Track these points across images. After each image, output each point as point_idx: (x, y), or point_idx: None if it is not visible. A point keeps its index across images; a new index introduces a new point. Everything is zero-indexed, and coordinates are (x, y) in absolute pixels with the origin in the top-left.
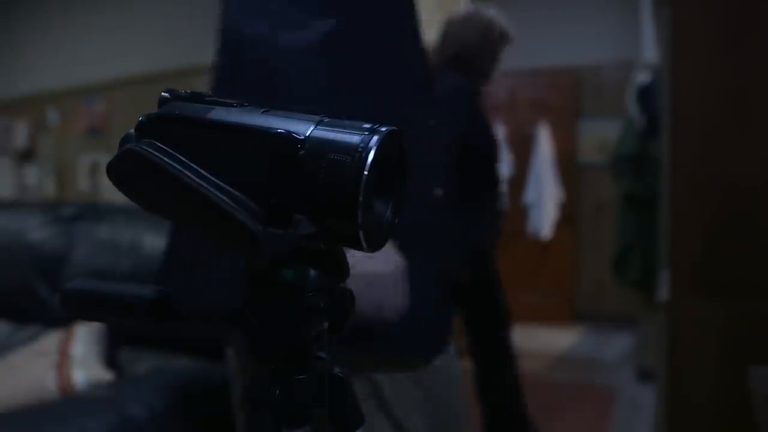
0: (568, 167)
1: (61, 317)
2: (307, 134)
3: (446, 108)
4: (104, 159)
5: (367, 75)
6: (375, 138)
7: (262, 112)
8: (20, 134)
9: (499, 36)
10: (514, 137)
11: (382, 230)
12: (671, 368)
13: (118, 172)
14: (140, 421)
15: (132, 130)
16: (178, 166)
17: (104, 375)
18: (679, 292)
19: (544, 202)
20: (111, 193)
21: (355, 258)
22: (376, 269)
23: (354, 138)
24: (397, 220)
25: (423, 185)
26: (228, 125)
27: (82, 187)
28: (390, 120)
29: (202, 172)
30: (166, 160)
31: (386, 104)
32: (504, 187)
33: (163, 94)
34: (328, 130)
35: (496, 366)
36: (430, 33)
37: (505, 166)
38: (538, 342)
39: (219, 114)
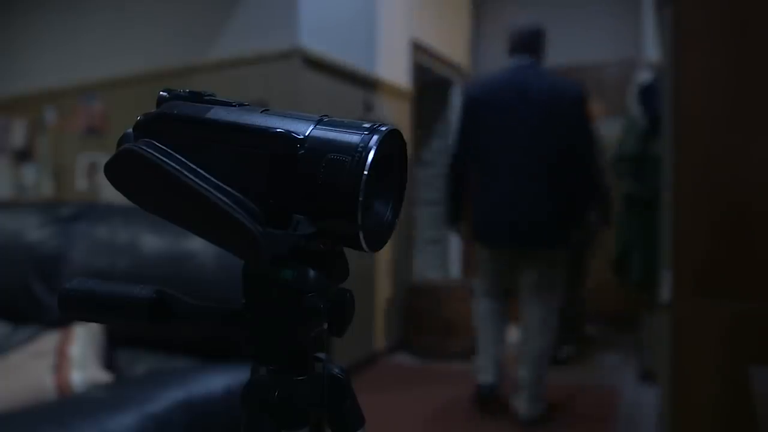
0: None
1: (59, 318)
2: (307, 134)
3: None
4: (103, 159)
5: None
6: (375, 137)
7: (262, 112)
8: (17, 134)
9: None
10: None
11: (382, 230)
12: (673, 368)
13: (116, 171)
14: (139, 423)
15: (130, 130)
16: (176, 166)
17: (102, 376)
18: (682, 292)
19: None
20: (109, 193)
21: None
22: None
23: (354, 137)
24: (396, 221)
25: None
26: (227, 125)
27: (80, 187)
28: None
29: (201, 172)
30: (165, 159)
31: None
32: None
33: (161, 93)
34: (328, 130)
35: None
36: (431, 31)
37: None
38: None
39: (218, 113)
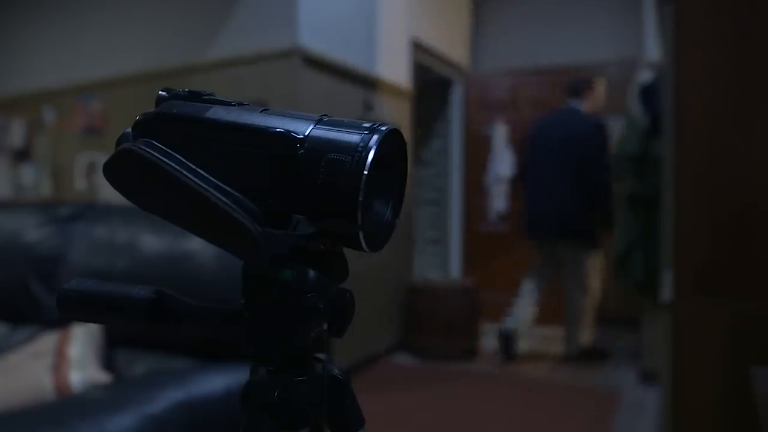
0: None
1: (58, 318)
2: (307, 133)
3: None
4: (101, 159)
5: None
6: (375, 137)
7: (261, 111)
8: (16, 133)
9: None
10: (517, 136)
11: (382, 230)
12: (674, 369)
13: (115, 171)
14: (138, 423)
15: (129, 129)
16: (175, 166)
17: (101, 376)
18: (682, 292)
19: None
20: (108, 193)
21: None
22: None
23: (354, 137)
24: (396, 221)
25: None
26: (226, 124)
27: (79, 187)
28: None
29: (201, 171)
30: (164, 159)
31: None
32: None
33: (160, 92)
34: (328, 130)
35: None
36: (431, 30)
37: (507, 166)
38: (540, 343)
39: (217, 113)
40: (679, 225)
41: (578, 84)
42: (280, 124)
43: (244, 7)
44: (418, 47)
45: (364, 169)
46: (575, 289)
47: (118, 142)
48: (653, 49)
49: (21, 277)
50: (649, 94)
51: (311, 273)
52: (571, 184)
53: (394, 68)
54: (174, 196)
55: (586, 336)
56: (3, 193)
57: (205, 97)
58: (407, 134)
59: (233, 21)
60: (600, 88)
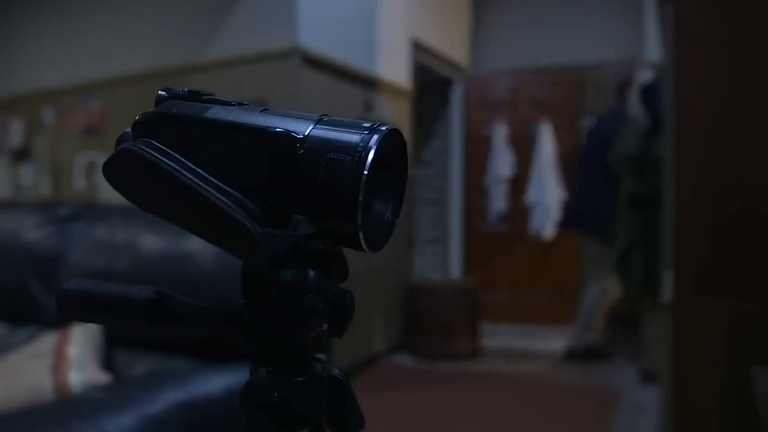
0: (571, 166)
1: (57, 318)
2: (307, 133)
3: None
4: (101, 158)
5: None
6: (375, 137)
7: (261, 111)
8: (15, 133)
9: None
10: (517, 136)
11: (382, 230)
12: (674, 369)
13: (114, 171)
14: (138, 424)
15: (129, 129)
16: (175, 166)
17: (100, 377)
18: (683, 292)
19: (547, 202)
20: (108, 193)
21: None
22: None
23: (354, 137)
24: (396, 221)
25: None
26: (226, 124)
27: (79, 186)
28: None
29: (200, 171)
30: (163, 159)
31: None
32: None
33: (160, 92)
34: (328, 129)
35: None
36: (431, 30)
37: (507, 166)
38: (540, 343)
39: (217, 113)
40: (679, 225)
41: (622, 83)
42: (280, 124)
43: (244, 6)
44: (418, 47)
45: (364, 169)
46: (593, 287)
47: (118, 141)
48: (653, 49)
49: (20, 277)
50: (649, 94)
51: (311, 273)
52: (602, 181)
53: (394, 68)
54: (174, 196)
55: (591, 335)
56: (2, 193)
57: (204, 96)
58: (407, 134)
59: (233, 21)
60: None
